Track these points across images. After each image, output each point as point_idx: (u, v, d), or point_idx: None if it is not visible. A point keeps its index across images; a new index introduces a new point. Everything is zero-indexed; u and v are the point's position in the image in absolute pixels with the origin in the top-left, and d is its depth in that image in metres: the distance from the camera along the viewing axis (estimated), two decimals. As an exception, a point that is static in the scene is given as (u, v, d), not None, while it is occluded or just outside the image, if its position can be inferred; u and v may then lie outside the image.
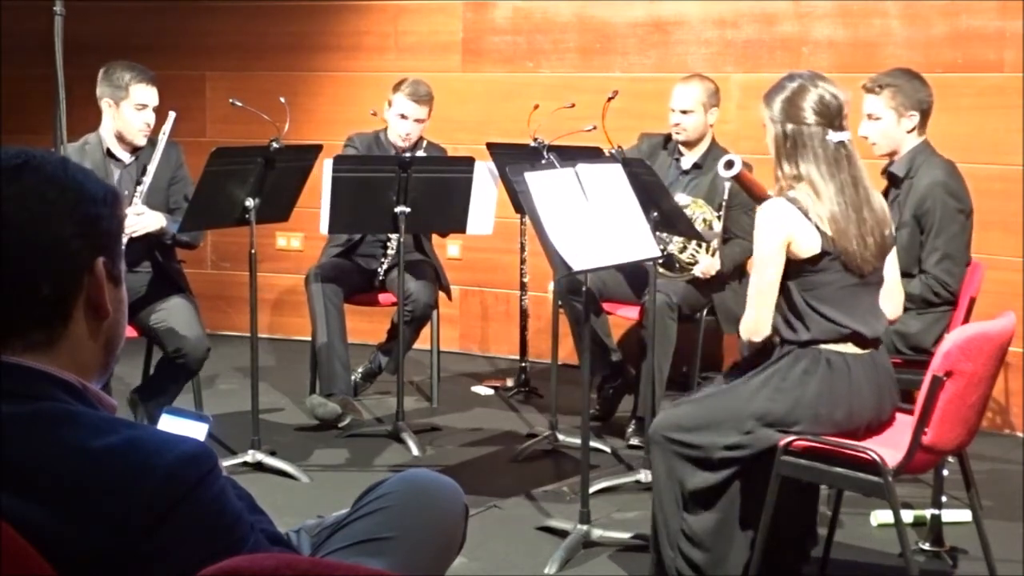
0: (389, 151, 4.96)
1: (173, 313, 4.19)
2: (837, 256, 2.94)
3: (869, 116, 3.87)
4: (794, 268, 2.97)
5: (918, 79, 3.88)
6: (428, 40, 6.11)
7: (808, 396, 2.94)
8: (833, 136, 2.96)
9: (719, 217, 4.43)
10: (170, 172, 4.34)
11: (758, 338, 3.04)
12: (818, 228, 2.91)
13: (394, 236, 4.92)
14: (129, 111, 4.23)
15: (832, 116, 2.97)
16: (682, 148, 4.76)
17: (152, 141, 4.30)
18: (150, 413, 4.15)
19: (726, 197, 4.39)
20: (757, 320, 3.01)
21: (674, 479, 3.07)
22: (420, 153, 4.94)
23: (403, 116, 4.89)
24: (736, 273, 4.62)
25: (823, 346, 2.98)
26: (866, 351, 3.01)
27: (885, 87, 3.85)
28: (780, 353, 3.03)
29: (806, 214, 2.92)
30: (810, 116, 2.95)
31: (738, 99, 5.44)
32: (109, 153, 4.29)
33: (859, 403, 2.97)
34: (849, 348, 2.99)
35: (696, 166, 4.73)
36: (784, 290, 2.99)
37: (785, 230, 2.93)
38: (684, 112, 4.66)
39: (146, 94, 4.25)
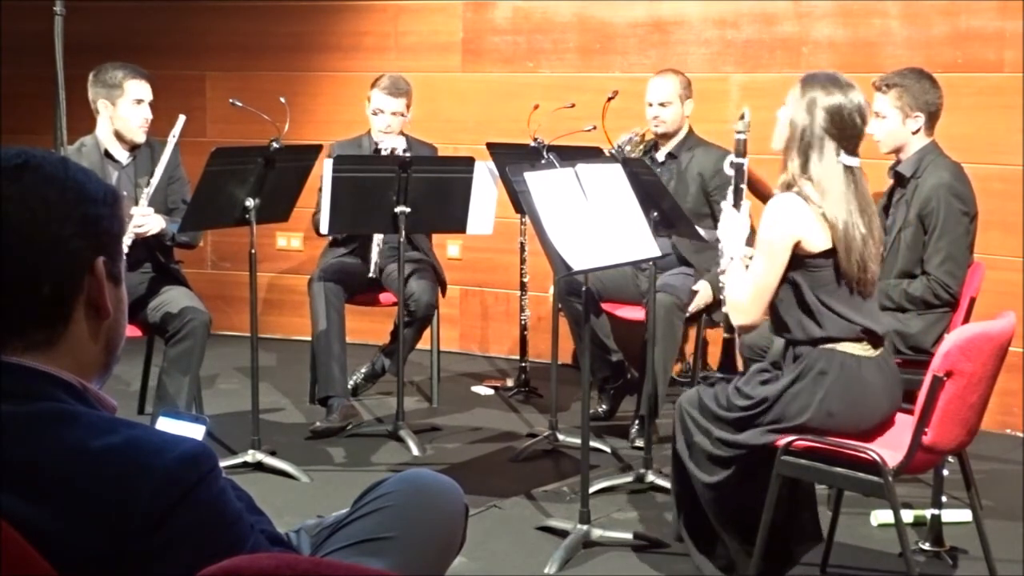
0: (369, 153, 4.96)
1: (172, 296, 4.21)
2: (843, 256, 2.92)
3: (876, 114, 3.86)
4: (804, 262, 2.94)
5: (928, 80, 3.86)
6: (428, 40, 6.11)
7: (820, 399, 2.93)
8: (844, 159, 2.94)
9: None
10: (168, 172, 4.33)
11: (747, 322, 3.04)
12: (829, 224, 2.89)
13: (378, 236, 4.91)
14: (127, 108, 4.23)
15: (848, 137, 2.94)
16: (659, 142, 4.80)
17: (150, 143, 4.31)
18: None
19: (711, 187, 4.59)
20: (748, 310, 3.00)
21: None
22: (402, 149, 4.91)
23: (380, 110, 4.89)
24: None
25: (837, 347, 2.96)
26: (877, 352, 3.00)
27: (893, 87, 3.84)
28: (793, 355, 3.01)
29: (817, 212, 2.90)
30: (830, 126, 2.92)
31: (738, 99, 5.44)
32: (107, 155, 4.29)
33: (869, 408, 2.96)
34: (861, 349, 2.97)
35: (671, 155, 4.77)
36: (795, 287, 2.96)
37: (795, 228, 2.91)
38: (662, 104, 4.70)
39: (141, 89, 4.26)
